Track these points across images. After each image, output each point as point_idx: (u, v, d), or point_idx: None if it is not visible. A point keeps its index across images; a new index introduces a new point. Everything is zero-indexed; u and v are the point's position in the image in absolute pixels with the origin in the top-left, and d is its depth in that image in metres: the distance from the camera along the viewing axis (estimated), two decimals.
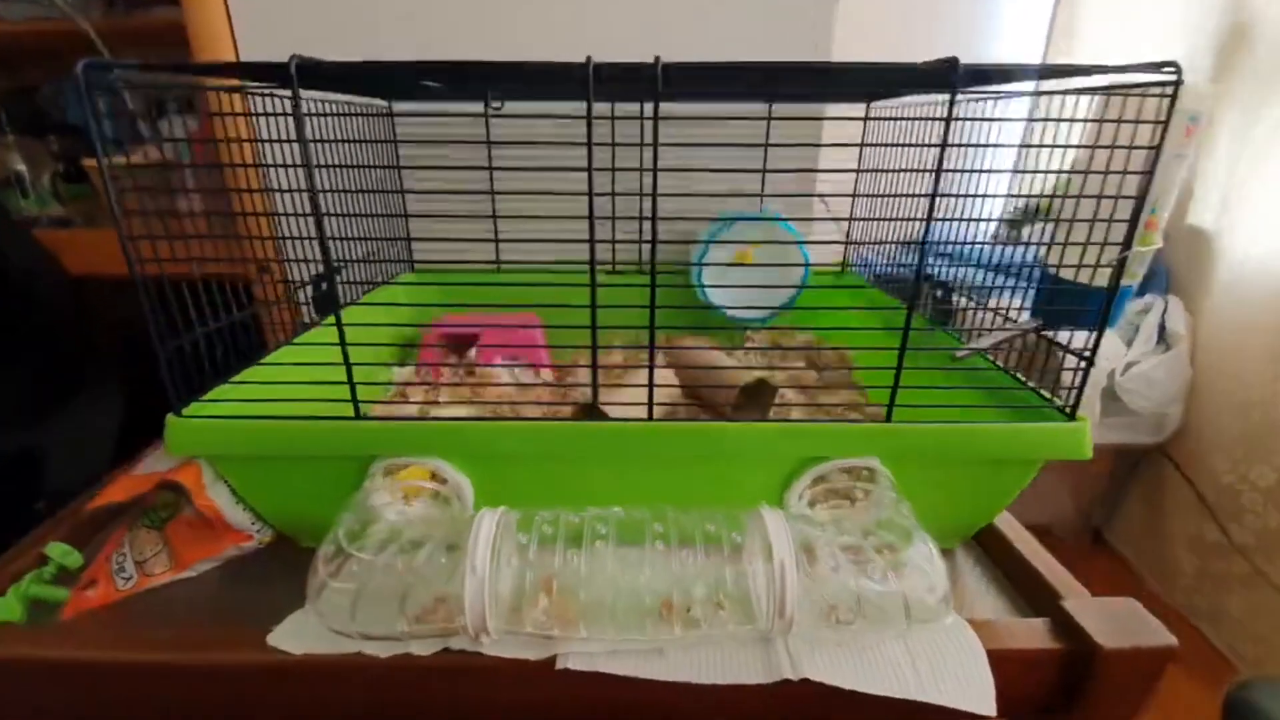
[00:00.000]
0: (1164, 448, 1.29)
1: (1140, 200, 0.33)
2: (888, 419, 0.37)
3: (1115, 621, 0.35)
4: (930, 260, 0.56)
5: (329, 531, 0.36)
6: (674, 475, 0.40)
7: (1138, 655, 0.33)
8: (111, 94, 0.33)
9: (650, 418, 0.38)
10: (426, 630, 0.34)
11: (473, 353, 0.66)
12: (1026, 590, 0.40)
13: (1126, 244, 0.34)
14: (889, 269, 0.68)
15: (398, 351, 0.69)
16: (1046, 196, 1.40)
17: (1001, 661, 0.33)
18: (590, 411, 0.51)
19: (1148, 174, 0.33)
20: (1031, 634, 0.36)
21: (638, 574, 0.35)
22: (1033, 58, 1.49)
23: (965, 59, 0.33)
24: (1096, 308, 0.38)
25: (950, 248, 0.53)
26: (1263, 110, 1.08)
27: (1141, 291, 1.32)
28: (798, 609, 0.33)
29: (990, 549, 0.44)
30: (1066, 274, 0.41)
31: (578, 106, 0.35)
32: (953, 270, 0.56)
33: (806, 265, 0.69)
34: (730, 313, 0.71)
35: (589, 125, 0.35)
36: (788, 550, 0.33)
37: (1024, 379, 0.42)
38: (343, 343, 0.37)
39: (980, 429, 0.37)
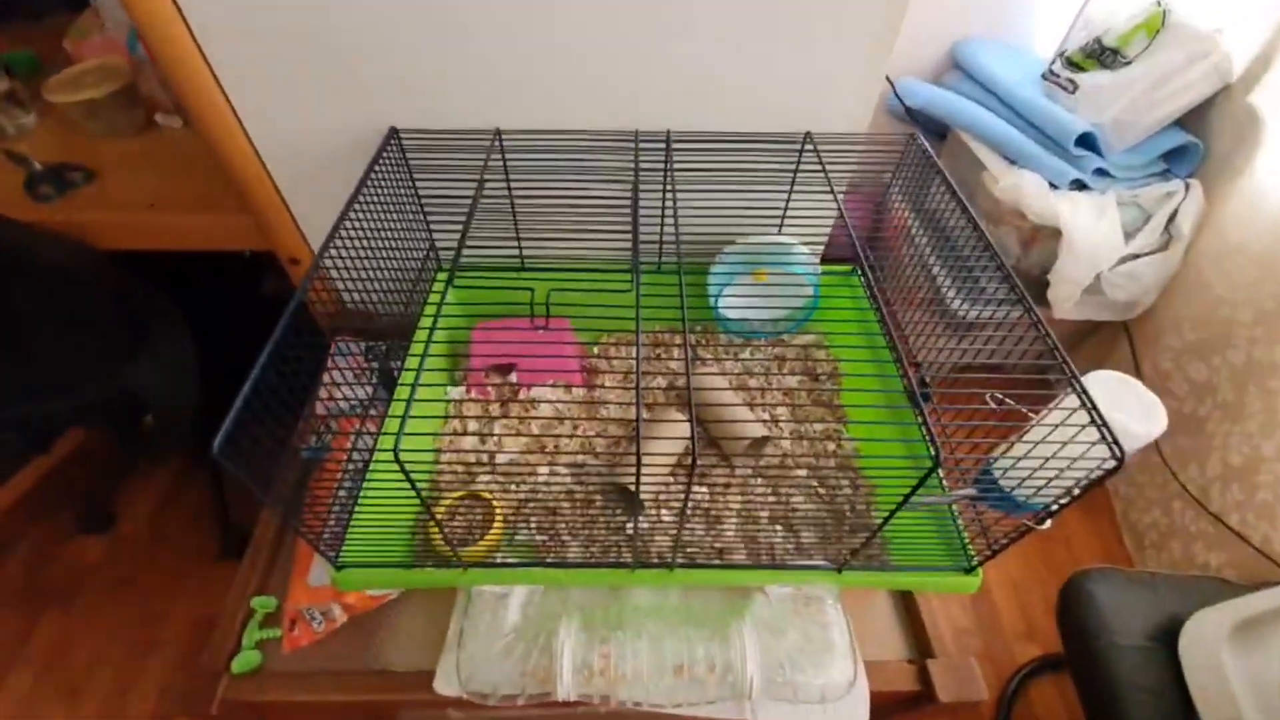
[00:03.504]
0: (1126, 323, 1.42)
1: (1067, 499, 0.42)
2: (839, 570, 0.53)
3: (955, 678, 0.56)
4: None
5: (459, 621, 0.55)
6: (689, 581, 0.57)
7: (959, 704, 0.55)
8: None
9: (673, 566, 0.53)
10: (534, 686, 0.55)
11: (513, 376, 0.76)
12: (914, 637, 0.61)
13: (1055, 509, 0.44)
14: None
15: (447, 361, 0.78)
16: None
17: (878, 695, 0.55)
18: (627, 496, 0.65)
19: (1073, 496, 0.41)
20: (901, 678, 0.58)
21: (661, 651, 0.55)
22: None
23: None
24: (1019, 510, 0.49)
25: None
26: None
27: (1172, 168, 1.28)
28: (759, 684, 0.54)
29: (904, 595, 0.63)
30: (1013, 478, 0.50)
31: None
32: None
33: (816, 293, 0.74)
34: (743, 327, 0.78)
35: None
36: (756, 665, 0.52)
37: (959, 525, 0.55)
38: (435, 519, 0.49)
39: (898, 578, 0.53)
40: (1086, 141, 1.25)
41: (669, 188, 0.62)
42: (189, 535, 1.37)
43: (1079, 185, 1.25)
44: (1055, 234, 1.24)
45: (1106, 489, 1.47)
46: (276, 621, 0.61)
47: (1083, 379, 0.42)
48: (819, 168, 0.62)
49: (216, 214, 0.83)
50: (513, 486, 0.67)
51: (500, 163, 0.68)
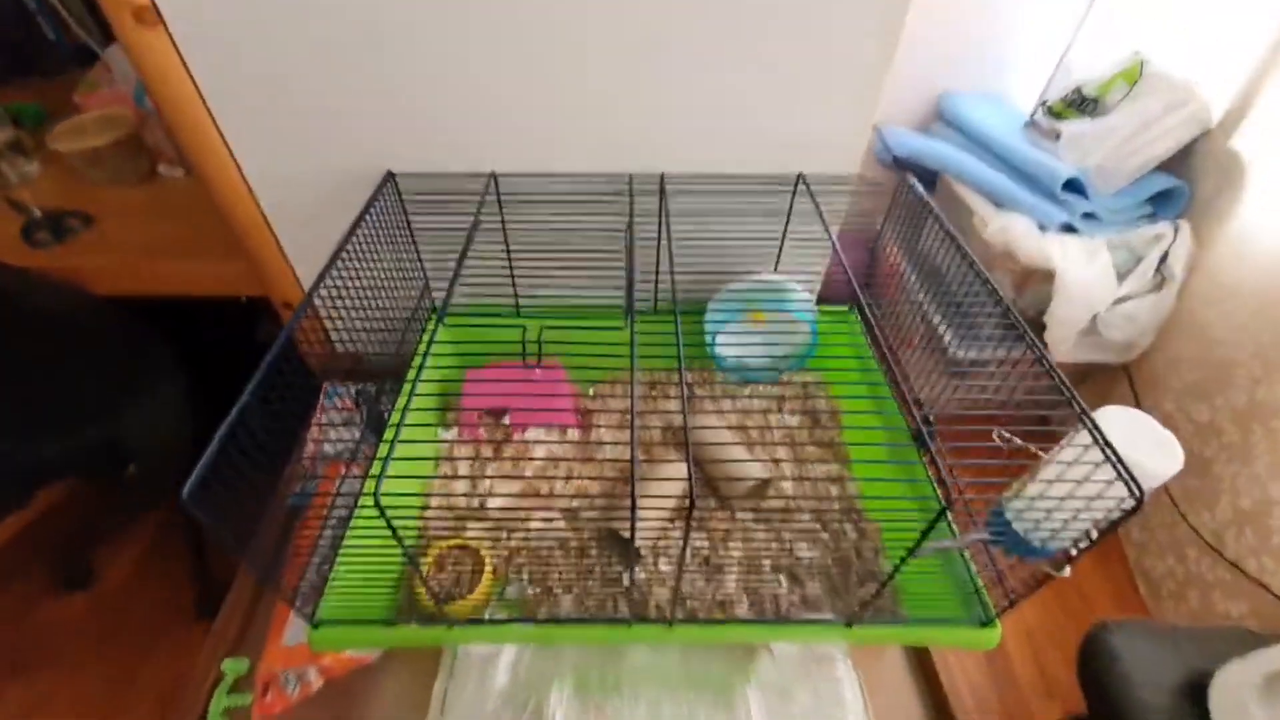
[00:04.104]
0: (1126, 365, 1.41)
1: (1087, 544, 0.40)
2: (850, 624, 0.50)
3: None
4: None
5: (443, 684, 0.51)
6: (689, 639, 0.54)
7: None
8: None
9: (671, 622, 0.50)
10: None
11: (507, 419, 0.74)
12: (930, 697, 0.57)
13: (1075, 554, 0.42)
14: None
15: (439, 402, 0.76)
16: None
17: None
18: (622, 545, 0.62)
19: (1093, 540, 0.39)
20: None
21: (660, 719, 0.51)
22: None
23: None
24: (1036, 554, 0.47)
25: None
26: None
27: (1159, 210, 1.30)
28: None
29: (919, 656, 0.60)
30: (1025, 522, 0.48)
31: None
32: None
33: (814, 334, 0.73)
34: (741, 372, 0.77)
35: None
36: None
37: (974, 573, 0.52)
38: (419, 572, 0.47)
39: (912, 632, 0.50)
40: (1073, 186, 1.27)
41: (663, 229, 0.62)
42: (171, 590, 1.31)
43: (1068, 229, 1.27)
44: (1047, 276, 1.25)
45: (1119, 535, 1.43)
46: (249, 686, 0.57)
47: (1094, 414, 0.40)
48: (813, 208, 0.62)
49: (212, 259, 0.83)
50: (503, 536, 0.65)
51: (495, 205, 0.68)
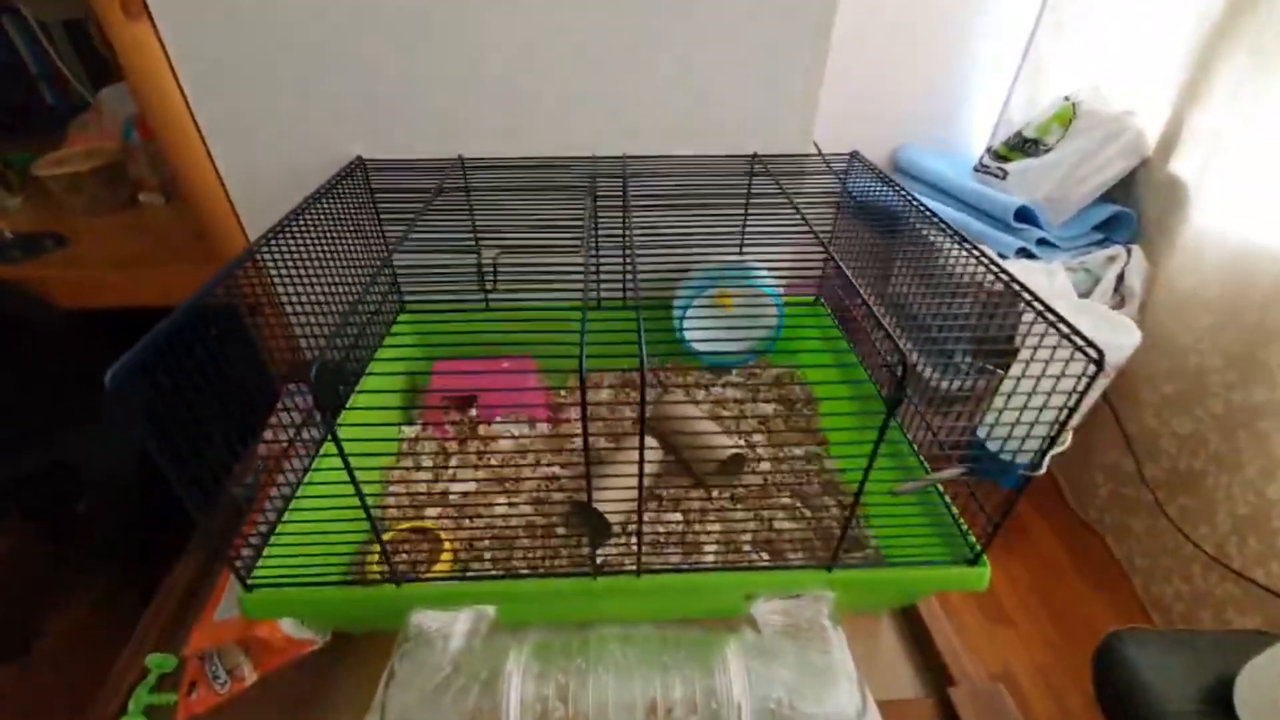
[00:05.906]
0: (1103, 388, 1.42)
1: (1058, 428, 0.39)
2: (829, 568, 0.46)
3: (982, 708, 0.47)
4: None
5: (392, 661, 0.46)
6: (661, 602, 0.50)
7: None
8: None
9: (639, 572, 0.47)
10: None
11: (473, 411, 0.72)
12: (930, 665, 0.52)
13: (1047, 445, 0.40)
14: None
15: (403, 398, 0.74)
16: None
17: None
18: (584, 511, 0.59)
19: (1064, 419, 0.38)
20: (921, 715, 0.48)
21: (631, 686, 0.46)
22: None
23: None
24: (1013, 476, 0.45)
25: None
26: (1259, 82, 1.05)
27: (1109, 236, 1.36)
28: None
29: (909, 623, 0.55)
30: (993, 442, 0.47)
31: None
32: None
33: (780, 316, 0.73)
34: (710, 357, 0.77)
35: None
36: (746, 696, 0.44)
37: (954, 511, 0.50)
38: (376, 532, 0.43)
39: (898, 574, 0.47)
40: (1025, 217, 1.34)
41: (627, 217, 0.63)
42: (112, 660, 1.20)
43: (1025, 254, 1.32)
44: (1011, 300, 1.28)
45: (1120, 564, 1.38)
46: (175, 685, 0.51)
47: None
48: (772, 184, 0.65)
49: (180, 267, 0.83)
50: (466, 521, 0.61)
51: (460, 178, 0.70)
